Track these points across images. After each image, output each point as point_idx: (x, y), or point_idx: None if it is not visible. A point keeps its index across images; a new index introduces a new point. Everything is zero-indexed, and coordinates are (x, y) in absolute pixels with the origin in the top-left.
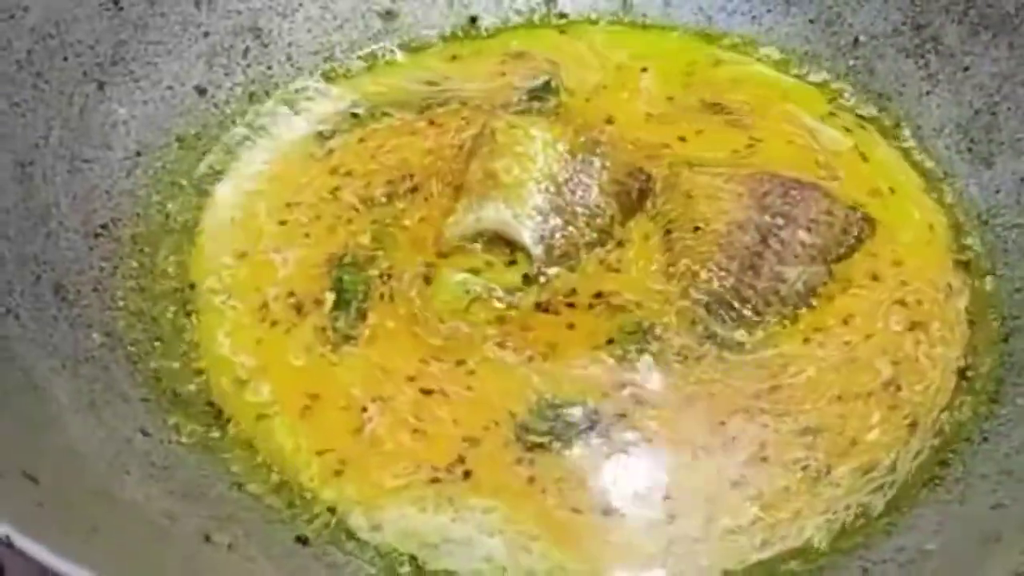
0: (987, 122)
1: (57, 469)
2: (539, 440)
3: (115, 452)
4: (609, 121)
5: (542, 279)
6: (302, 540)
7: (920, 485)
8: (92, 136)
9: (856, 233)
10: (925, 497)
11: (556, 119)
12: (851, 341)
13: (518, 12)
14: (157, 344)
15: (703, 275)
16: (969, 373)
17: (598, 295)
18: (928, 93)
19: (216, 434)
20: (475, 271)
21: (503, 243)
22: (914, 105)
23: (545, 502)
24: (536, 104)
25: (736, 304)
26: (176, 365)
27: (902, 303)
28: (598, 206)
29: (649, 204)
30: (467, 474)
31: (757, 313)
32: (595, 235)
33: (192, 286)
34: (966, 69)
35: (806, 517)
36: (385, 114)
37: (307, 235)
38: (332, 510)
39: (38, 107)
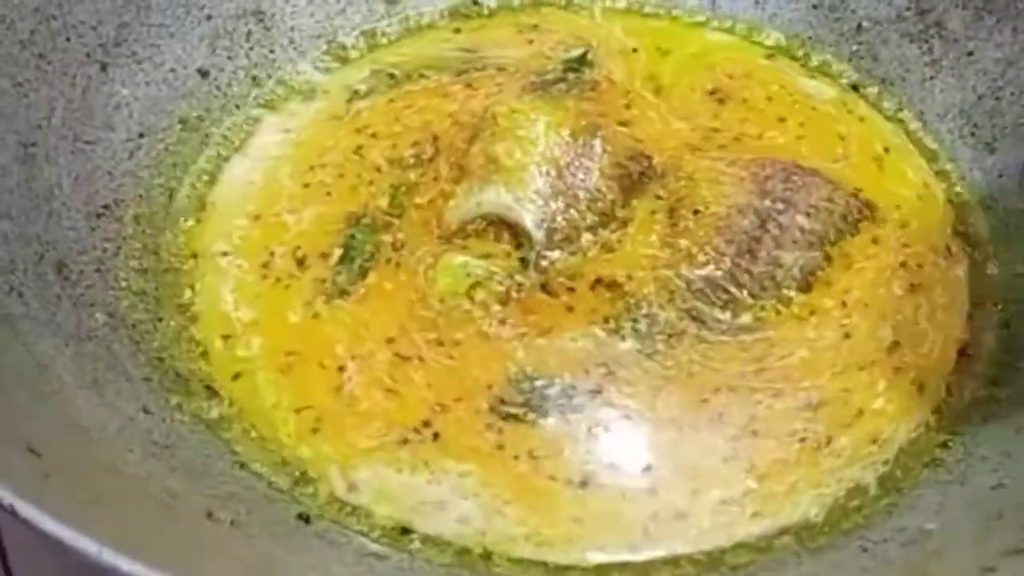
0: (991, 107)
1: (61, 443)
2: (513, 411)
3: (118, 429)
4: (627, 105)
5: (543, 262)
6: (304, 518)
7: (921, 466)
8: (95, 117)
9: (856, 218)
10: (926, 478)
11: (581, 96)
12: (849, 320)
13: None
14: (159, 323)
15: (700, 257)
16: (970, 351)
17: (599, 279)
18: (932, 78)
19: (216, 413)
20: (480, 255)
21: (505, 227)
22: (917, 90)
23: (517, 468)
24: (572, 75)
25: (731, 288)
26: (178, 345)
27: (903, 266)
28: (599, 189)
29: (651, 186)
30: (436, 436)
31: (753, 297)
32: (596, 218)
33: (195, 256)
34: (970, 54)
35: (802, 490)
36: (422, 76)
37: (328, 193)
38: (304, 473)
39: (41, 88)
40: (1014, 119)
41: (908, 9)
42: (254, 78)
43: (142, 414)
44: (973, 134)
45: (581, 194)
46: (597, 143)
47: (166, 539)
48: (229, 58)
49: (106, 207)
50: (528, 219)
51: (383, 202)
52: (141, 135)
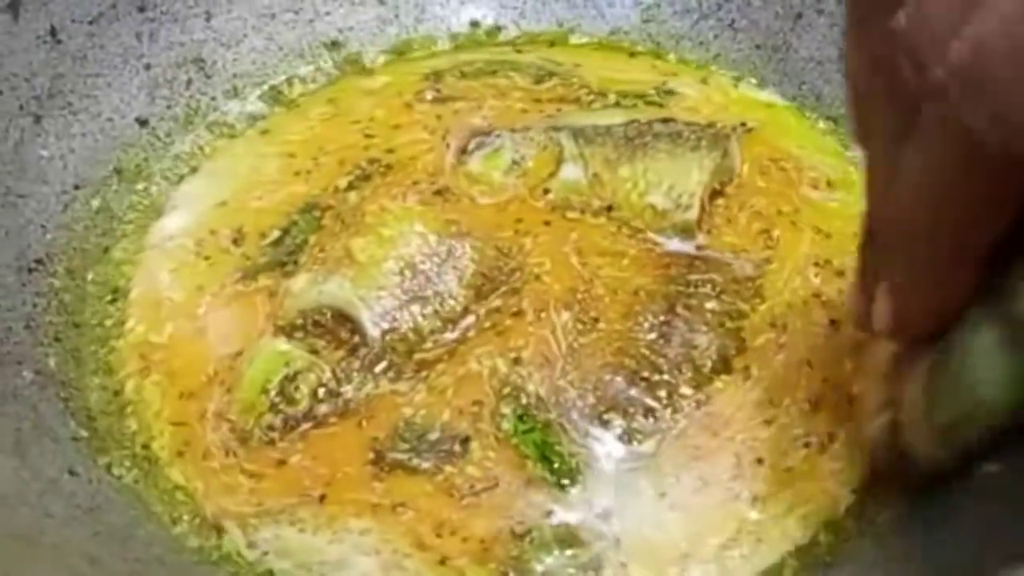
0: None
1: None
2: (399, 457)
3: (38, 494)
4: None
5: (376, 365)
6: None
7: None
8: (27, 171)
9: (753, 295)
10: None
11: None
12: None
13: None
14: (91, 378)
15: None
16: None
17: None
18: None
19: (142, 475)
20: (307, 347)
21: (347, 322)
22: None
23: (412, 520)
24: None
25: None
26: (111, 403)
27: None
28: (453, 298)
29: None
30: (322, 498)
31: (671, 382)
32: (440, 325)
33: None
34: None
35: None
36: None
37: (304, 175)
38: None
39: None
40: None
41: None
42: (191, 125)
43: (67, 476)
44: None
45: (432, 301)
46: (461, 251)
47: None
48: (168, 107)
49: (38, 261)
50: (366, 317)
51: (343, 182)
52: (76, 187)
